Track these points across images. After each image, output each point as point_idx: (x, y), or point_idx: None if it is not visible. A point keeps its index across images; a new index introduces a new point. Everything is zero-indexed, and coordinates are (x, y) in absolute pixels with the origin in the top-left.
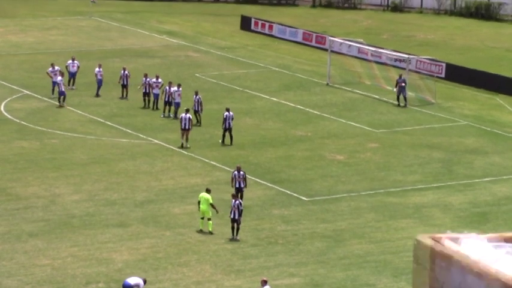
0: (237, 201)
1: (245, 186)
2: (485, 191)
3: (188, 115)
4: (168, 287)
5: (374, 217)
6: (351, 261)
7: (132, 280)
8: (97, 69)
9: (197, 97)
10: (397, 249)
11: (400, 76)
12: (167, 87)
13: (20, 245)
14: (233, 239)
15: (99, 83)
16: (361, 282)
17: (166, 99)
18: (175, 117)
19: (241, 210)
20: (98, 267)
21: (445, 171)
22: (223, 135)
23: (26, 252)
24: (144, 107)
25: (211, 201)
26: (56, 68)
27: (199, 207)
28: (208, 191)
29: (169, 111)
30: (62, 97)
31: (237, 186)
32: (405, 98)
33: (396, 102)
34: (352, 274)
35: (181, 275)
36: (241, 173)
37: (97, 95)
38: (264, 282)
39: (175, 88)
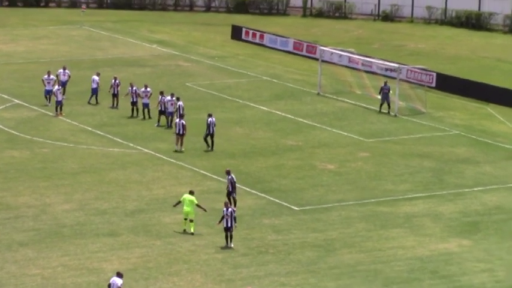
0: (230, 209)
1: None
2: (475, 200)
3: (182, 121)
4: None
5: (365, 226)
6: (342, 271)
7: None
8: (94, 77)
9: (179, 103)
10: (387, 258)
11: (385, 83)
12: (160, 97)
13: (10, 254)
14: (226, 247)
15: (93, 91)
16: None
17: (160, 109)
18: (170, 126)
19: (235, 217)
20: (89, 276)
21: (436, 180)
22: (206, 140)
23: (17, 261)
24: (131, 117)
25: (196, 202)
26: (51, 76)
27: (176, 204)
28: (191, 192)
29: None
30: (59, 106)
31: (230, 190)
32: (389, 105)
33: (379, 110)
34: (343, 283)
35: (172, 284)
36: (231, 176)
37: (90, 103)
38: None
39: (169, 97)
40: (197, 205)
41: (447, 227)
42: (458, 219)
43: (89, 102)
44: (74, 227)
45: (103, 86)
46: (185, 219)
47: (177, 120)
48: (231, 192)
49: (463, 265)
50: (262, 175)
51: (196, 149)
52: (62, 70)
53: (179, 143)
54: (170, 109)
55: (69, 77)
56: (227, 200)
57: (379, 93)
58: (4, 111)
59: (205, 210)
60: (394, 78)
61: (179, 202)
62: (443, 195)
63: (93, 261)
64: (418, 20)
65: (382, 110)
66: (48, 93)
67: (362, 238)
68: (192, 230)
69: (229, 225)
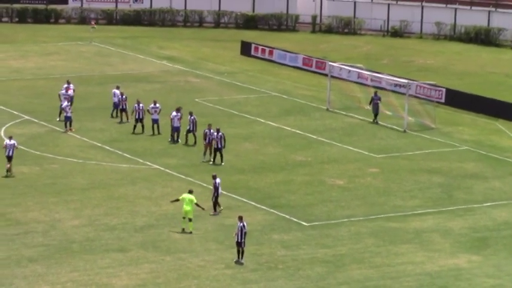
0: (241, 224)
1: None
2: (485, 215)
3: (212, 130)
4: None
5: (374, 242)
6: (351, 287)
7: None
8: (114, 90)
9: (192, 117)
10: (397, 274)
11: (375, 93)
12: (174, 113)
13: (20, 270)
14: (238, 262)
15: (115, 105)
16: None
17: (138, 117)
18: (177, 141)
19: (245, 233)
20: None
21: (445, 196)
22: (214, 156)
23: (26, 277)
24: (133, 133)
25: (195, 201)
26: (69, 92)
27: (174, 200)
28: (191, 191)
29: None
30: (68, 122)
31: (216, 194)
32: (376, 116)
33: (374, 120)
34: None
35: None
36: (218, 180)
37: (113, 116)
38: None
39: (175, 113)
40: (196, 204)
41: (456, 243)
42: (468, 235)
43: (111, 116)
44: (83, 242)
45: (111, 102)
46: (184, 218)
47: (206, 130)
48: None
49: (472, 281)
50: (271, 191)
51: (206, 164)
52: (66, 85)
53: (208, 152)
54: (176, 124)
55: (74, 91)
56: (241, 215)
57: (370, 103)
58: (14, 127)
59: (203, 209)
60: (404, 94)
61: (177, 200)
62: (452, 210)
63: (103, 277)
64: (427, 36)
65: (378, 121)
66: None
67: (371, 254)
68: (190, 229)
69: (240, 240)
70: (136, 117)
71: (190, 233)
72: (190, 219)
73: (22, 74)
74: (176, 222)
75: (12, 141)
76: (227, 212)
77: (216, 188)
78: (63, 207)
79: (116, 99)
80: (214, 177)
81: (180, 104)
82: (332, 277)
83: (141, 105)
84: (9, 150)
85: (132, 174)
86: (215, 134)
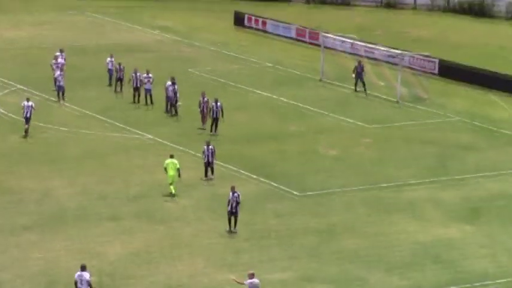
0: (236, 194)
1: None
2: (477, 186)
3: (206, 98)
4: (161, 280)
5: (367, 212)
6: (344, 256)
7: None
8: (108, 59)
9: (218, 104)
10: (389, 243)
11: (359, 62)
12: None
13: (13, 238)
14: (230, 231)
15: (111, 72)
16: (353, 276)
17: (135, 85)
18: (169, 111)
19: (238, 203)
20: (91, 260)
21: (438, 166)
22: (211, 126)
23: (19, 245)
24: (133, 102)
25: (178, 166)
26: (59, 60)
27: (165, 171)
28: (172, 156)
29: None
30: (60, 92)
31: (206, 160)
32: (364, 83)
33: (356, 89)
34: (345, 268)
35: (174, 268)
36: (210, 147)
37: (111, 84)
38: (251, 276)
39: (169, 83)
40: (178, 169)
41: (449, 213)
42: (461, 205)
43: (109, 84)
44: (77, 211)
45: (105, 72)
46: (170, 183)
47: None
48: (210, 163)
49: (465, 250)
50: (264, 160)
51: (198, 134)
52: (58, 53)
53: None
54: (170, 94)
55: (65, 59)
56: (233, 185)
57: (353, 72)
58: (7, 96)
59: (179, 176)
60: (397, 65)
61: (165, 169)
62: (445, 181)
63: (96, 245)
64: (421, 7)
65: (358, 89)
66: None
67: (364, 223)
68: (173, 192)
69: (233, 209)
70: (134, 85)
71: (174, 196)
72: (171, 183)
73: (15, 43)
74: (169, 191)
75: (30, 103)
76: (220, 181)
77: (205, 154)
78: (57, 175)
79: (110, 67)
80: (207, 144)
81: (173, 74)
82: (325, 246)
83: (138, 74)
84: (27, 112)
85: (125, 144)
86: (213, 104)
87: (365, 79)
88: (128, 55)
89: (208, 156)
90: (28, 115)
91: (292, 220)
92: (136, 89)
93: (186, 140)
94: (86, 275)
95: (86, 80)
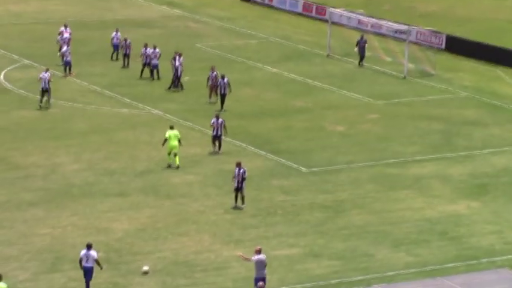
0: (242, 170)
1: (224, 134)
2: (484, 162)
3: (215, 72)
4: (168, 256)
5: (374, 188)
6: (351, 232)
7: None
8: (113, 33)
9: (225, 80)
10: (396, 219)
11: (362, 37)
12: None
13: (20, 213)
14: (236, 207)
15: (115, 47)
16: (360, 252)
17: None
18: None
19: (244, 179)
20: (98, 236)
21: (445, 142)
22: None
23: (26, 221)
24: (140, 78)
25: (179, 136)
26: (65, 35)
27: (164, 143)
28: (172, 127)
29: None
30: (67, 67)
31: (215, 133)
32: (362, 59)
33: (360, 63)
34: (352, 244)
35: (181, 244)
36: (220, 120)
37: (113, 59)
38: (258, 251)
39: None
40: (179, 139)
41: (456, 189)
42: (467, 181)
43: (111, 59)
44: (83, 186)
45: (111, 47)
46: (169, 153)
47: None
48: (219, 136)
49: (471, 227)
50: (271, 136)
51: (205, 109)
52: (63, 28)
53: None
54: (180, 69)
55: (70, 34)
56: (239, 161)
57: (356, 46)
58: (14, 71)
59: (180, 144)
60: (404, 40)
61: (165, 140)
62: (452, 157)
63: (103, 221)
64: None
65: (363, 63)
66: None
67: (371, 199)
68: (177, 163)
69: (239, 185)
70: (144, 61)
71: (178, 167)
72: (175, 154)
73: (22, 18)
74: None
75: (46, 74)
76: (227, 157)
77: (214, 127)
78: (63, 151)
79: (115, 41)
80: (216, 117)
81: (180, 49)
82: (331, 222)
83: (147, 49)
84: (45, 83)
85: (132, 119)
86: (220, 80)
87: (370, 54)
88: (134, 30)
89: (216, 129)
90: (46, 86)
91: (298, 196)
92: (145, 65)
93: (193, 115)
94: (94, 254)
95: (93, 55)
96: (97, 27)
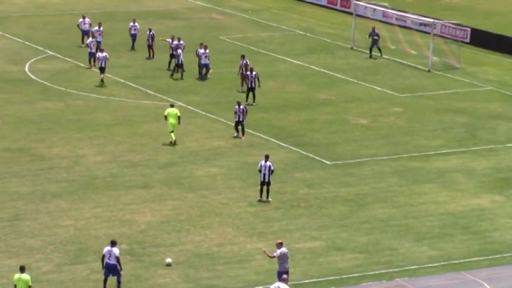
0: (268, 163)
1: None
2: (508, 156)
3: (245, 60)
4: (191, 249)
5: (397, 181)
6: (373, 225)
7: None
8: (131, 24)
9: (253, 74)
10: (419, 213)
11: (373, 29)
12: (199, 50)
13: (44, 205)
14: (261, 201)
15: (133, 37)
16: (383, 246)
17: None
18: (206, 76)
19: (272, 171)
20: (121, 228)
21: (469, 136)
22: (247, 95)
23: (50, 212)
24: (168, 69)
25: (179, 114)
26: (101, 28)
27: (166, 119)
28: (172, 106)
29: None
30: (92, 58)
31: (237, 119)
32: (379, 49)
33: (369, 55)
34: (375, 238)
35: (204, 237)
36: (242, 107)
37: (132, 48)
38: (280, 245)
39: (202, 50)
40: (178, 117)
41: (480, 183)
42: (491, 175)
43: (132, 48)
44: (107, 178)
45: (139, 37)
46: (172, 131)
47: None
48: (240, 122)
49: (495, 221)
50: (294, 129)
51: (229, 102)
52: (82, 19)
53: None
54: (204, 61)
55: (90, 25)
56: (267, 154)
57: (368, 37)
58: (38, 62)
59: (179, 123)
60: (429, 33)
61: (166, 117)
62: (476, 150)
63: (126, 213)
64: None
65: (373, 54)
66: (99, 45)
67: (394, 193)
68: (174, 138)
69: (241, 118)
70: (171, 53)
71: (175, 142)
72: (172, 131)
73: (47, 9)
74: (199, 159)
75: (104, 54)
76: (250, 149)
77: (236, 113)
78: (87, 143)
79: (132, 32)
80: (238, 104)
81: (204, 40)
82: (355, 216)
83: (175, 41)
84: (102, 62)
85: (155, 111)
86: (249, 73)
87: (394, 47)
88: (159, 22)
89: (239, 115)
90: (103, 65)
91: (322, 189)
92: (172, 56)
93: (216, 108)
94: (116, 251)
95: (117, 46)
96: (121, 19)
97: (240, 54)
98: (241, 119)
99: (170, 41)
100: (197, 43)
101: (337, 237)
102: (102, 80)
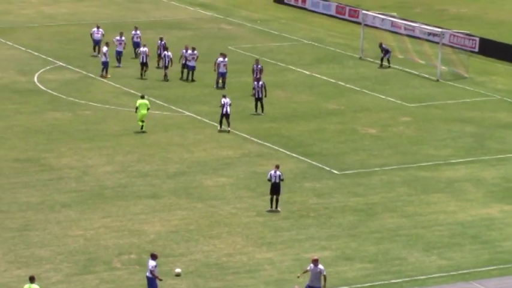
0: (277, 172)
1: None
2: None
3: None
4: (200, 258)
5: (406, 191)
6: (383, 235)
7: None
8: (133, 32)
9: (260, 83)
10: (428, 223)
11: (380, 45)
12: (218, 58)
13: (53, 215)
14: (271, 211)
15: (136, 45)
16: (392, 256)
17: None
18: (224, 87)
19: (282, 180)
20: (130, 238)
21: (478, 145)
22: (256, 105)
23: (59, 222)
24: (181, 79)
25: (149, 106)
26: (123, 38)
27: (136, 110)
28: (143, 97)
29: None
30: (104, 68)
31: (224, 112)
32: (388, 60)
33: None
34: (384, 248)
35: (213, 247)
36: (227, 99)
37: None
38: (315, 261)
39: (221, 59)
40: (148, 108)
41: (489, 193)
42: (500, 185)
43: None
44: (116, 188)
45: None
46: (142, 121)
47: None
48: (260, 98)
49: (504, 230)
50: (303, 139)
51: (237, 112)
52: (95, 29)
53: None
54: (222, 69)
55: (103, 35)
56: (278, 163)
57: (379, 47)
58: (47, 72)
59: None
60: (437, 42)
61: (137, 108)
62: (485, 160)
63: (135, 223)
64: None
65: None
66: (119, 54)
67: (403, 202)
68: (143, 128)
69: (276, 188)
70: (183, 62)
71: (144, 131)
72: (143, 121)
73: (55, 19)
74: (208, 169)
75: (145, 48)
76: (259, 159)
77: (222, 106)
78: (96, 153)
79: (135, 40)
80: (224, 96)
81: (213, 51)
82: (364, 226)
83: (189, 51)
84: (143, 57)
85: (164, 121)
86: (255, 83)
87: (403, 56)
88: (167, 32)
89: (227, 108)
90: (144, 60)
91: (331, 199)
92: (184, 66)
93: (225, 118)
94: (151, 263)
95: (125, 56)
96: (130, 29)
97: (255, 59)
98: (228, 112)
99: (183, 51)
100: (206, 53)
101: (346, 247)
102: (141, 75)
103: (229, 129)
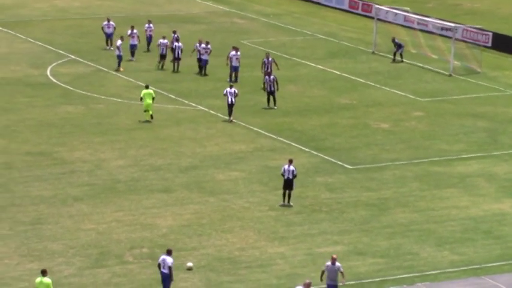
0: (291, 167)
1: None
2: None
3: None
4: (212, 253)
5: (418, 186)
6: (395, 230)
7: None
8: (146, 25)
9: (271, 77)
10: (441, 218)
11: (393, 39)
12: (231, 52)
13: (66, 209)
14: (283, 205)
15: (149, 39)
16: (404, 250)
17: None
18: (236, 80)
19: (295, 176)
20: (142, 232)
21: (490, 140)
22: (268, 99)
23: (71, 216)
24: (199, 73)
25: (154, 95)
26: (135, 31)
27: (141, 100)
28: (147, 87)
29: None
30: (118, 61)
31: (230, 102)
32: (401, 55)
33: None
34: (396, 243)
35: (225, 241)
36: (233, 89)
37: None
38: (333, 259)
39: (234, 52)
40: (153, 97)
41: (501, 188)
42: None
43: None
44: (128, 182)
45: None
46: (145, 111)
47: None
48: (273, 92)
49: None
50: (316, 133)
51: (250, 106)
52: (106, 22)
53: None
54: (235, 63)
55: (115, 28)
56: (291, 158)
57: (392, 41)
58: (60, 66)
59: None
60: (450, 37)
61: (141, 98)
62: (497, 155)
63: (147, 217)
64: None
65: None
66: (133, 48)
67: (415, 197)
68: (149, 119)
69: (232, 101)
70: (198, 56)
71: (151, 119)
72: (149, 111)
73: (68, 13)
74: (220, 163)
75: (166, 40)
76: (271, 154)
77: (226, 95)
78: (109, 147)
79: (148, 33)
80: (230, 87)
81: (225, 45)
82: (376, 220)
83: (202, 45)
84: (163, 49)
85: (177, 115)
86: (267, 77)
87: (415, 51)
88: (180, 26)
89: (231, 98)
90: (164, 52)
91: (343, 194)
92: (199, 60)
93: (237, 112)
94: (169, 261)
95: (138, 50)
96: (143, 23)
97: (265, 52)
98: (233, 102)
99: (197, 44)
100: (218, 47)
101: (358, 242)
102: (161, 64)
103: (231, 118)
